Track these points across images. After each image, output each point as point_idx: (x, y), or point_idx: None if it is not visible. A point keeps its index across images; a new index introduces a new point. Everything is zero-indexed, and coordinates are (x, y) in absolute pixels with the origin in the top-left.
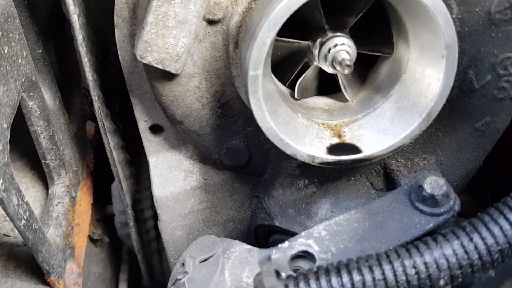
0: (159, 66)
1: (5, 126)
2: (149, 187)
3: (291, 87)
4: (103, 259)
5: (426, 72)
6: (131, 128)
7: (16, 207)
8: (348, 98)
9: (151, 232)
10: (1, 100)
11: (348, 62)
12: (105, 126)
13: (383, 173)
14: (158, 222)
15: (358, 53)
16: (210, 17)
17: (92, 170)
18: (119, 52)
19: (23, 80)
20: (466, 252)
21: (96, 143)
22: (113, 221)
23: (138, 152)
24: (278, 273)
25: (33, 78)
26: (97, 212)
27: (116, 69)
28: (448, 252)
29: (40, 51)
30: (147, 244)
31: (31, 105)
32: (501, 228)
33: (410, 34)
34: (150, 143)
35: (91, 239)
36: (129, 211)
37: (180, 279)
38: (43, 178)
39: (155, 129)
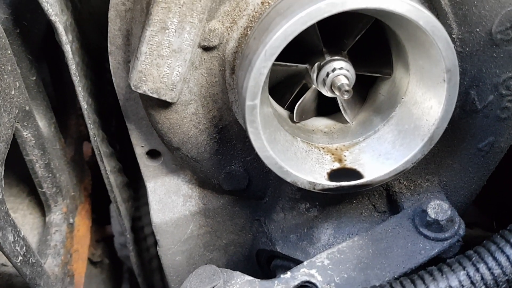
0: (155, 96)
1: None
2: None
3: (290, 109)
4: (104, 280)
5: (427, 95)
6: (128, 147)
7: (12, 244)
8: (348, 120)
9: (151, 250)
10: None
11: (347, 88)
12: (101, 152)
13: (385, 195)
14: (157, 248)
15: (357, 74)
16: (206, 44)
17: (90, 193)
18: (113, 79)
19: (17, 111)
20: (472, 283)
21: (93, 164)
22: (113, 241)
23: (137, 167)
24: None
25: (27, 108)
26: (97, 233)
27: (111, 86)
28: (454, 284)
29: (34, 78)
30: (147, 262)
31: (26, 134)
32: (507, 257)
33: (410, 57)
34: (148, 168)
35: (90, 261)
36: (128, 235)
37: None
38: (41, 203)
39: (153, 154)
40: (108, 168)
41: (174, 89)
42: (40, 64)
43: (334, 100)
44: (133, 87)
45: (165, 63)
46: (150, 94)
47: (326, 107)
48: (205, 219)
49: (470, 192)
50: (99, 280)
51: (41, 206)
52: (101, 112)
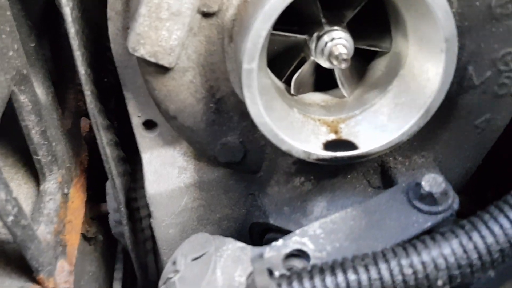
0: (152, 59)
1: None
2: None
3: (288, 82)
4: (97, 257)
5: (425, 67)
6: (127, 127)
7: (4, 202)
8: (345, 94)
9: (146, 231)
10: None
11: (345, 56)
12: (98, 122)
13: (380, 171)
14: (151, 220)
15: (356, 49)
16: (205, 10)
17: (86, 167)
18: (112, 45)
19: (14, 73)
20: (465, 251)
21: (91, 140)
22: (108, 219)
23: (134, 150)
24: (271, 272)
25: (25, 72)
26: (91, 210)
27: (113, 66)
28: (446, 252)
29: (33, 45)
30: (142, 243)
31: (23, 99)
32: (501, 226)
33: (409, 28)
34: (144, 139)
35: (85, 237)
36: (122, 209)
37: (171, 278)
38: (36, 175)
39: (149, 125)
40: (105, 140)
41: (172, 54)
42: (40, 32)
43: (332, 77)
44: (130, 50)
45: (164, 26)
46: (148, 58)
47: (324, 84)
48: (200, 191)
49: (465, 170)
50: (93, 258)
51: (36, 177)
52: (99, 86)
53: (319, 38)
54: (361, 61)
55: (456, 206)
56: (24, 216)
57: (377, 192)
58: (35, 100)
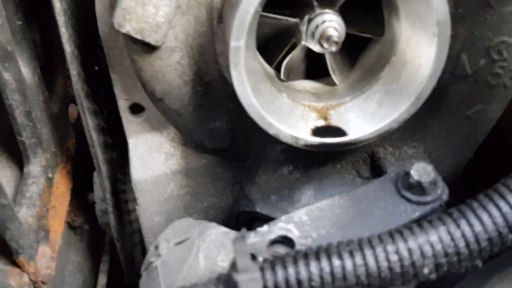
0: (138, 36)
1: None
2: None
3: (278, 69)
4: (83, 248)
5: (416, 53)
6: (117, 118)
7: None
8: (336, 81)
9: (134, 224)
10: None
11: (336, 39)
12: (84, 105)
13: (369, 161)
14: (136, 207)
15: (348, 36)
16: None
17: (73, 155)
18: (99, 24)
19: None
20: (452, 239)
21: (78, 128)
22: (94, 208)
23: (124, 141)
24: (254, 257)
25: (9, 49)
26: (78, 199)
27: (104, 54)
28: (433, 239)
29: (20, 23)
30: (129, 235)
31: (6, 77)
32: (490, 215)
33: (401, 12)
34: (130, 124)
35: (70, 226)
36: (108, 196)
37: (153, 263)
38: (20, 158)
39: (136, 109)
40: (91, 124)
41: (159, 31)
42: (28, 12)
43: (323, 65)
44: (116, 26)
45: (150, 2)
46: (134, 35)
47: (315, 73)
48: (186, 179)
49: (456, 163)
50: (78, 248)
51: (20, 160)
52: (89, 72)
53: (310, 20)
54: (353, 50)
55: (445, 197)
56: (4, 196)
57: (366, 182)
58: (19, 78)
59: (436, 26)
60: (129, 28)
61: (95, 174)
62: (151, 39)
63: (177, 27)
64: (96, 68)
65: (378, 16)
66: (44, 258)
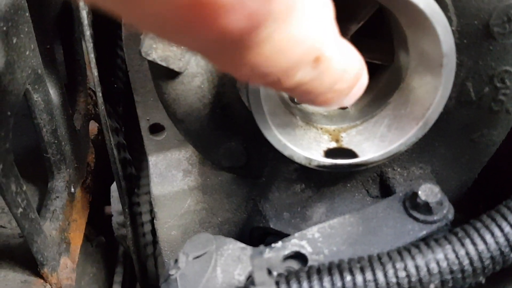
0: (163, 64)
1: (9, 113)
2: (148, 192)
3: None
4: (99, 259)
5: (423, 81)
6: (134, 133)
7: (14, 194)
8: (348, 106)
9: (147, 236)
10: (7, 88)
11: None
12: (107, 124)
13: (379, 181)
14: (154, 221)
15: None
16: None
17: (93, 169)
18: (125, 50)
19: (29, 72)
20: (457, 257)
21: (98, 143)
22: (111, 222)
23: (140, 157)
24: (270, 272)
25: (39, 72)
26: (96, 212)
27: (122, 72)
28: (439, 257)
29: (48, 46)
30: (143, 247)
31: (36, 97)
32: (492, 234)
33: (410, 43)
34: (151, 142)
35: (87, 238)
36: (126, 210)
37: (172, 275)
38: (44, 174)
39: (156, 129)
40: (113, 142)
41: (182, 59)
42: (55, 35)
43: None
44: (143, 54)
45: None
46: (159, 62)
47: None
48: (203, 195)
49: (460, 183)
50: (94, 259)
51: (44, 177)
52: (109, 91)
53: None
54: None
55: (451, 216)
56: (32, 210)
57: (375, 201)
58: (47, 99)
59: (442, 58)
60: (155, 56)
61: (112, 187)
62: (175, 66)
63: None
64: (115, 86)
65: (388, 44)
66: (66, 270)
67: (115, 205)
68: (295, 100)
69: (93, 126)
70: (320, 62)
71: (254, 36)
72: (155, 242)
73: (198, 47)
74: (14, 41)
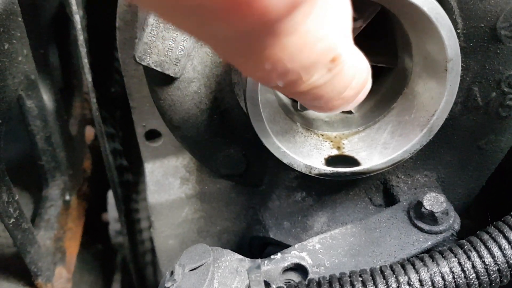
0: (158, 69)
1: (0, 121)
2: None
3: (293, 99)
4: (96, 267)
5: (428, 86)
6: (131, 139)
7: (5, 204)
8: (352, 109)
9: (146, 243)
10: None
11: None
12: (102, 129)
13: (382, 189)
14: (151, 230)
15: None
16: None
17: (89, 176)
18: (119, 55)
19: (22, 78)
20: (463, 270)
21: (95, 149)
22: (108, 229)
23: (137, 162)
24: (268, 285)
25: (33, 77)
26: (92, 219)
27: (119, 75)
28: (444, 270)
29: (42, 51)
30: (141, 255)
31: (29, 104)
32: (500, 247)
33: (414, 47)
34: (147, 149)
35: (84, 246)
36: (123, 218)
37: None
38: (38, 182)
39: (153, 135)
40: (108, 148)
41: (178, 64)
42: (49, 39)
43: None
44: (137, 59)
45: (171, 36)
46: (154, 67)
47: None
48: (201, 203)
49: (468, 191)
50: (91, 267)
51: (38, 183)
52: (106, 95)
53: None
54: None
55: (457, 226)
56: (25, 219)
57: (379, 210)
58: (41, 105)
59: (447, 62)
60: (149, 61)
61: (109, 194)
62: (170, 72)
63: (195, 59)
64: (113, 89)
65: (391, 47)
66: (61, 280)
67: (112, 213)
68: (299, 107)
69: (90, 131)
70: (335, 63)
71: (288, 20)
72: (153, 249)
73: (225, 40)
74: (6, 47)
